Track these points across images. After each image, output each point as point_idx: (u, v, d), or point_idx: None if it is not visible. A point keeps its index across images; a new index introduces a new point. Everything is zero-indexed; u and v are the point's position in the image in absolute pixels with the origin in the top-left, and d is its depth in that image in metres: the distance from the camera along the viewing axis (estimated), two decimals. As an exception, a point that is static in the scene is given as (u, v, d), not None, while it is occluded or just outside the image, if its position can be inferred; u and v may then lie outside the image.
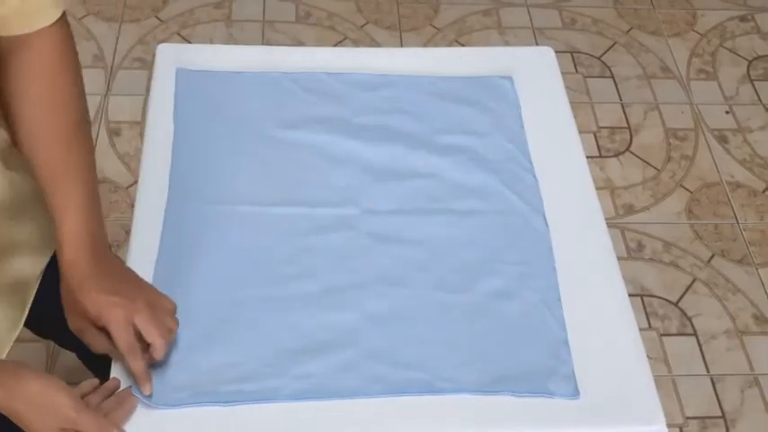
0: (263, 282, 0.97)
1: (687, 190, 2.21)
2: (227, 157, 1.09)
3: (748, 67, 2.53)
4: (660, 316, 1.96)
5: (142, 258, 0.98)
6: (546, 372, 0.93)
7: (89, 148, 0.90)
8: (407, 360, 0.92)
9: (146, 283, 0.92)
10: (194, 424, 0.87)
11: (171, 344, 0.88)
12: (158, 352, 0.85)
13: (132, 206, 1.08)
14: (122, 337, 0.84)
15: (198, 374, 0.89)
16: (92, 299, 0.84)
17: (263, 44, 2.39)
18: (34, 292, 0.98)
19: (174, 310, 0.89)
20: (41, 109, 0.86)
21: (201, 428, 0.87)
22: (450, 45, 2.46)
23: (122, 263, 0.93)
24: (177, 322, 0.89)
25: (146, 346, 0.86)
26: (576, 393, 0.91)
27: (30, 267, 0.97)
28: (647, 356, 0.97)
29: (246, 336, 0.93)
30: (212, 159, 1.08)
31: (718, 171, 2.26)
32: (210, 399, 0.87)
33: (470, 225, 1.05)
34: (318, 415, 0.88)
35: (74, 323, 0.88)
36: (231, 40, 2.40)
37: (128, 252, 0.99)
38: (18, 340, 0.98)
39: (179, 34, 2.40)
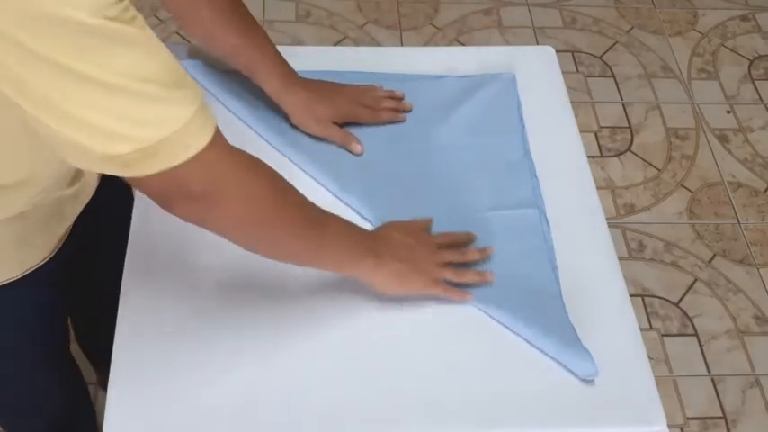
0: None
1: (688, 190, 2.20)
2: None
3: (749, 66, 2.53)
4: (661, 316, 1.95)
5: (140, 258, 0.98)
6: (563, 356, 0.93)
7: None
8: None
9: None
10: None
11: None
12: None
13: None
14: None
15: None
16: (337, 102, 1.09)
17: (263, 43, 2.39)
18: None
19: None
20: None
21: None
22: (450, 44, 2.46)
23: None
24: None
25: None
26: (596, 372, 0.91)
27: None
28: (648, 357, 0.96)
29: None
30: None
31: (720, 171, 2.25)
32: None
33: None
34: (315, 411, 0.88)
35: (322, 130, 1.09)
36: (231, 39, 2.40)
37: (127, 251, 0.99)
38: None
39: (178, 33, 2.40)
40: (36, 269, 0.95)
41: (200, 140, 0.68)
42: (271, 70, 1.06)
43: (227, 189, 0.74)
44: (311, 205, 0.86)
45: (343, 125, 1.10)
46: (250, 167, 0.77)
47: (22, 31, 0.58)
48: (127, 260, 0.98)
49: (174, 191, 0.71)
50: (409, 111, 1.15)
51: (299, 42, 2.41)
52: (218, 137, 0.70)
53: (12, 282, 0.93)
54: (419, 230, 0.99)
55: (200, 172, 0.70)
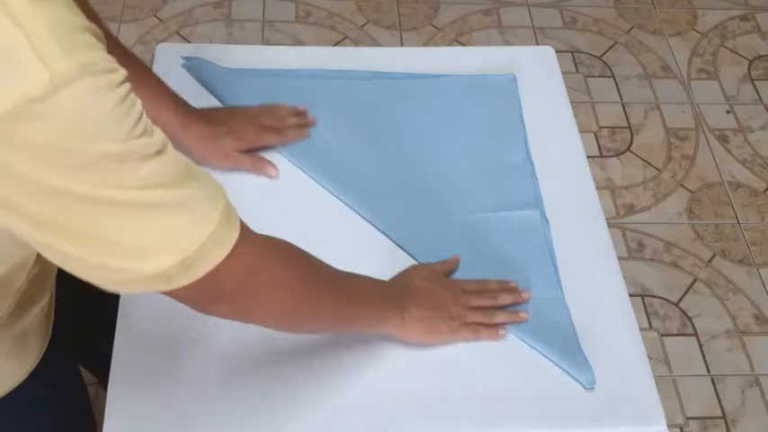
0: None
1: (688, 190, 2.21)
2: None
3: (749, 66, 2.53)
4: (661, 316, 1.96)
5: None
6: (563, 360, 0.93)
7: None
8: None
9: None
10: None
11: None
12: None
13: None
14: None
15: None
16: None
17: (262, 44, 2.39)
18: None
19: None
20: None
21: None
22: (450, 44, 2.46)
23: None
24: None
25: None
26: (593, 383, 0.91)
27: None
28: (648, 357, 0.96)
29: None
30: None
31: (719, 171, 2.25)
32: None
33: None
34: (315, 411, 0.88)
35: (232, 163, 1.04)
36: (231, 39, 2.40)
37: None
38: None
39: (178, 34, 2.40)
40: (37, 366, 0.90)
41: (232, 236, 0.66)
42: (166, 111, 1.00)
43: (260, 280, 0.71)
44: (338, 275, 0.84)
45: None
46: (278, 253, 0.75)
47: (44, 172, 0.53)
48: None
49: (211, 293, 0.68)
50: (314, 125, 1.10)
51: (299, 42, 2.41)
52: (243, 227, 0.68)
53: (15, 387, 0.88)
54: (440, 274, 0.96)
55: (234, 268, 0.67)
